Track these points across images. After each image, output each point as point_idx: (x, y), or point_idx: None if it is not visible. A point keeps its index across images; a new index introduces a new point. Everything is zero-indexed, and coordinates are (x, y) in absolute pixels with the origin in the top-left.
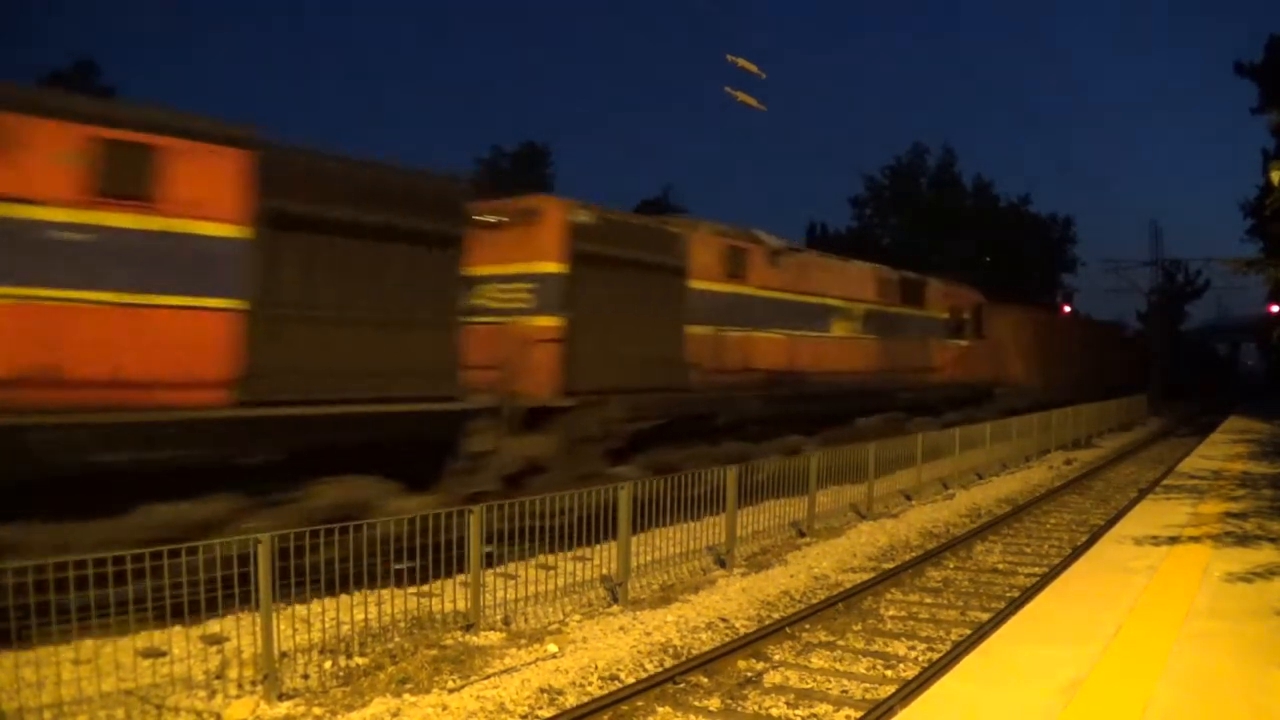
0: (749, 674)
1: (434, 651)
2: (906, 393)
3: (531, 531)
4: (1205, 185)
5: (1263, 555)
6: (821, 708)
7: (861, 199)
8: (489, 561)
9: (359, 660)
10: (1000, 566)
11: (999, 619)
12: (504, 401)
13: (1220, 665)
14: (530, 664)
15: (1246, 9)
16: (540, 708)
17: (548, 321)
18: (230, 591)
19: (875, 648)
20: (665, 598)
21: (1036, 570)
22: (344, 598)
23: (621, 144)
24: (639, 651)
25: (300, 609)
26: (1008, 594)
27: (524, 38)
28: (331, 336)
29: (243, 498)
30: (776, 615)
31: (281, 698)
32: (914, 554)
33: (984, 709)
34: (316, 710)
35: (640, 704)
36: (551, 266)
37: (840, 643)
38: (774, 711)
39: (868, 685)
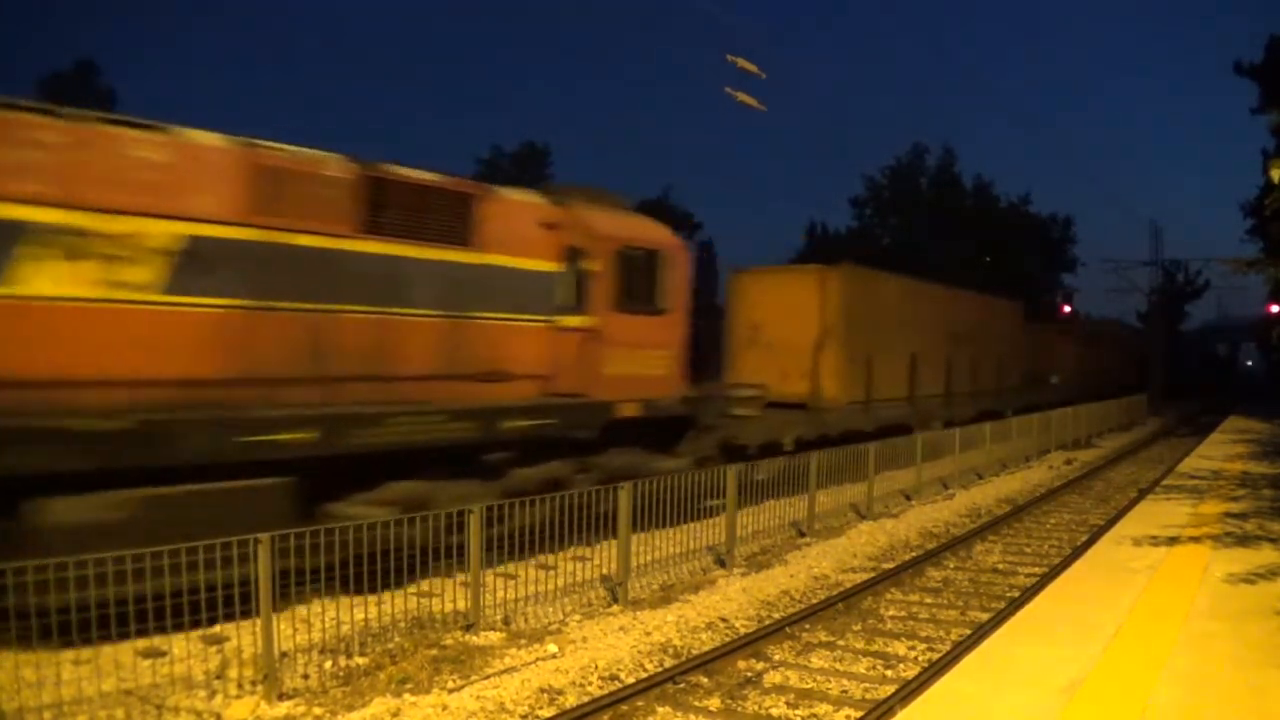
0: (749, 674)
1: (434, 651)
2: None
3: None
4: (1205, 185)
5: (1263, 555)
6: (821, 708)
7: (861, 199)
8: (491, 558)
9: (359, 660)
10: (1000, 566)
11: (999, 619)
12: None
13: (1220, 666)
14: (530, 664)
15: (1246, 9)
16: (540, 708)
17: None
18: (230, 592)
19: (875, 648)
20: (665, 598)
21: (1036, 570)
22: (344, 598)
23: (621, 144)
24: (639, 651)
25: (300, 609)
26: (1008, 594)
27: (524, 38)
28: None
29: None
30: (776, 615)
31: (281, 698)
32: (914, 554)
33: (984, 709)
34: (316, 710)
35: (640, 704)
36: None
37: (840, 643)
38: (774, 711)
39: (868, 685)
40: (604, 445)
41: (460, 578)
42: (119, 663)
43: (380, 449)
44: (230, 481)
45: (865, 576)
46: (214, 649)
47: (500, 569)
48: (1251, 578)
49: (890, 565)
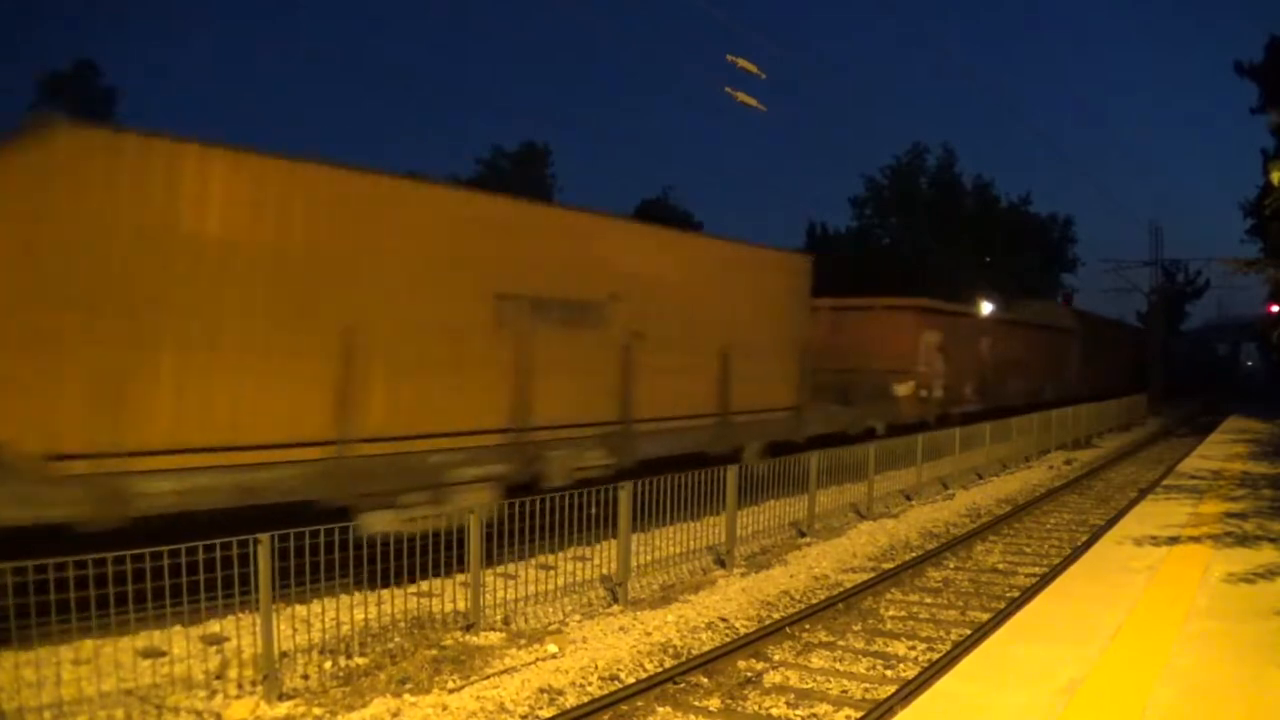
0: (749, 674)
1: (434, 651)
2: None
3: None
4: (1205, 185)
5: (1263, 555)
6: (821, 708)
7: (861, 199)
8: (491, 557)
9: (359, 660)
10: (1000, 566)
11: (999, 619)
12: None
13: (1220, 665)
14: (530, 664)
15: (1246, 9)
16: (540, 708)
17: None
18: (230, 591)
19: (875, 648)
20: (665, 598)
21: (1036, 570)
22: (344, 598)
23: (621, 144)
24: (639, 651)
25: (300, 609)
26: (1008, 594)
27: (524, 37)
28: None
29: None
30: (776, 615)
31: (281, 698)
32: (914, 554)
33: (984, 709)
34: (316, 710)
35: (640, 704)
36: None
37: (840, 643)
38: (774, 711)
39: (868, 685)
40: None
41: (460, 578)
42: (119, 663)
43: None
44: None
45: (865, 576)
46: (214, 649)
47: (500, 569)
48: (1251, 577)
49: (890, 565)
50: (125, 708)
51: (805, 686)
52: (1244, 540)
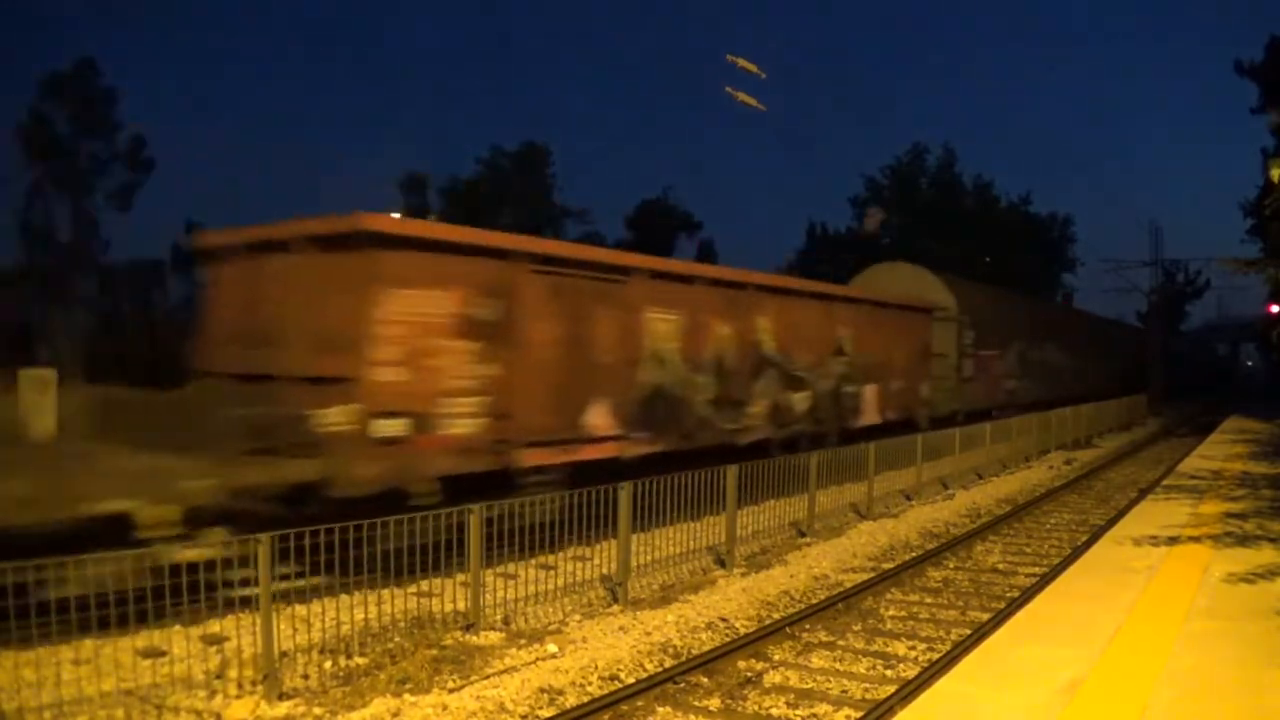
0: (749, 674)
1: (434, 651)
2: None
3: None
4: (1205, 185)
5: (1263, 555)
6: (821, 708)
7: (861, 199)
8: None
9: (359, 660)
10: (1000, 566)
11: (999, 619)
12: None
13: (1220, 665)
14: (530, 664)
15: (1246, 9)
16: (540, 708)
17: None
18: (230, 591)
19: (875, 648)
20: (665, 598)
21: (1036, 570)
22: (344, 597)
23: (622, 143)
24: (639, 651)
25: (300, 609)
26: (1008, 594)
27: (524, 37)
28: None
29: None
30: (776, 615)
31: (281, 698)
32: (914, 554)
33: (984, 709)
34: (316, 710)
35: (640, 704)
36: None
37: (840, 643)
38: (774, 711)
39: (868, 685)
40: None
41: (460, 578)
42: (119, 663)
43: None
44: None
45: (865, 576)
46: (214, 649)
47: (500, 569)
48: (1251, 577)
49: (890, 565)
50: (125, 708)
51: (805, 686)
52: (1244, 540)
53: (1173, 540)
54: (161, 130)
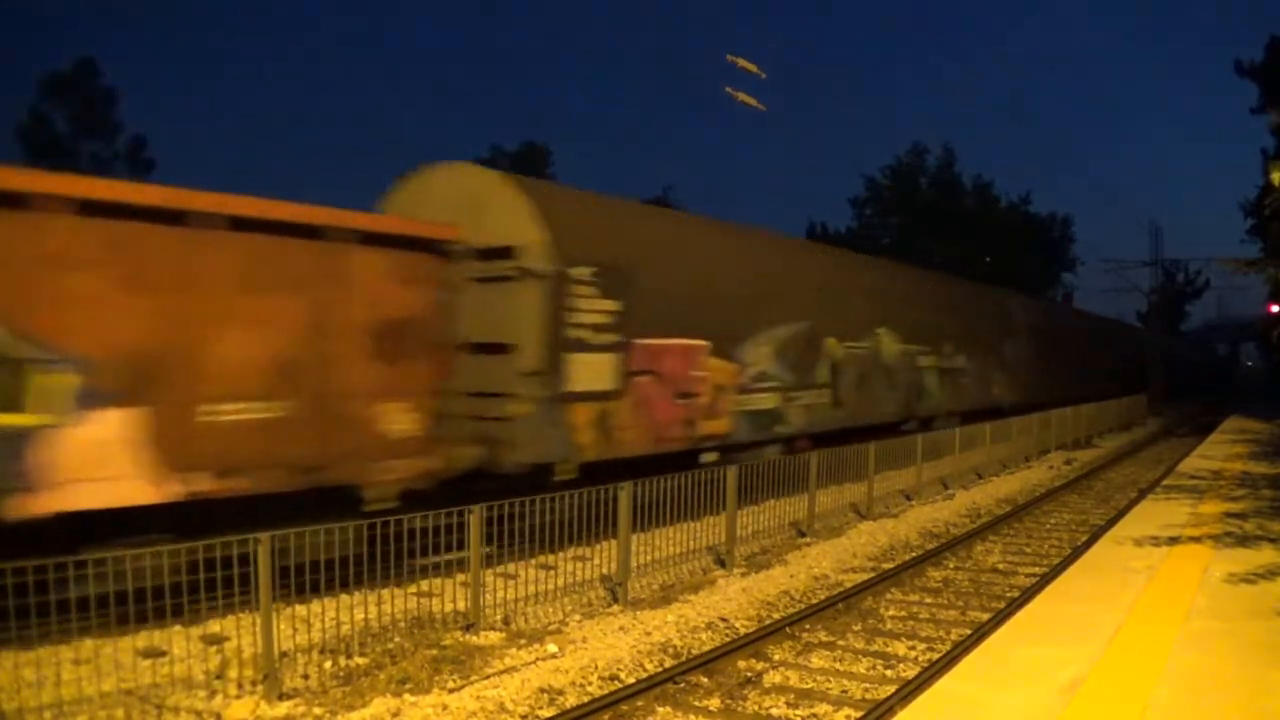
0: (749, 674)
1: (434, 651)
2: None
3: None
4: (1205, 185)
5: (1263, 555)
6: (821, 708)
7: (862, 199)
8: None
9: (359, 660)
10: (1000, 566)
11: (999, 619)
12: None
13: (1220, 665)
14: (530, 664)
15: (1246, 9)
16: (540, 708)
17: None
18: (230, 591)
19: (875, 648)
20: (665, 598)
21: (1036, 570)
22: (344, 597)
23: (621, 143)
24: (639, 651)
25: (300, 609)
26: (1008, 594)
27: (524, 37)
28: None
29: None
30: (776, 615)
31: (281, 698)
32: (914, 554)
33: (984, 709)
34: (316, 710)
35: (640, 704)
36: None
37: (840, 643)
38: (774, 711)
39: (868, 685)
40: None
41: (460, 578)
42: (119, 663)
43: None
44: None
45: (865, 576)
46: (214, 649)
47: (500, 569)
48: (1251, 578)
49: (890, 565)
50: (125, 708)
51: (805, 686)
52: (1244, 540)
53: (1173, 540)
54: (162, 130)
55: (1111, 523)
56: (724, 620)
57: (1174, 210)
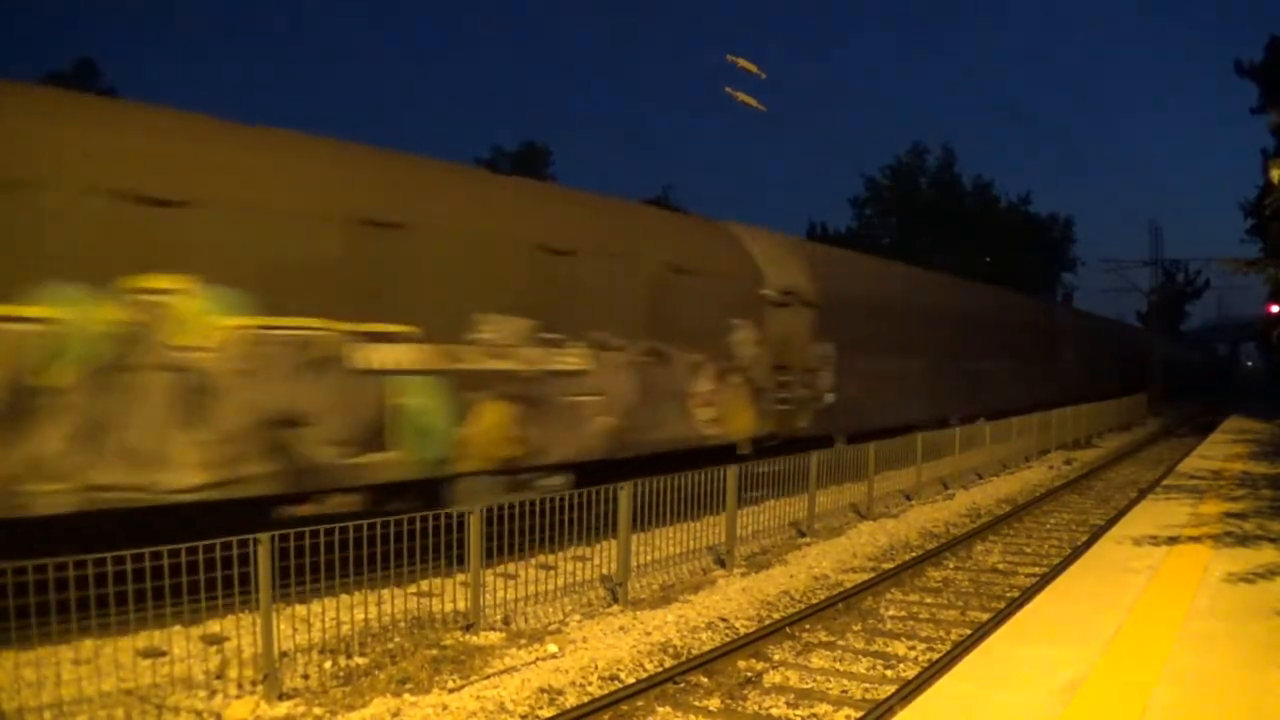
0: (749, 674)
1: (434, 651)
2: None
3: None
4: (1205, 185)
5: (1263, 555)
6: (821, 708)
7: (862, 199)
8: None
9: (359, 660)
10: (1000, 566)
11: (999, 619)
12: None
13: (1220, 665)
14: (530, 664)
15: (1246, 9)
16: (540, 708)
17: None
18: (230, 591)
19: (875, 648)
20: (665, 598)
21: (1036, 570)
22: (344, 597)
23: (622, 143)
24: (639, 651)
25: (300, 609)
26: (1008, 594)
27: (525, 38)
28: None
29: None
30: (776, 615)
31: (281, 698)
32: (914, 554)
33: (984, 709)
34: (316, 710)
35: (640, 704)
36: None
37: (840, 643)
38: (774, 711)
39: (868, 685)
40: None
41: (460, 578)
42: (119, 663)
43: None
44: None
45: (865, 576)
46: (214, 649)
47: (500, 569)
48: (1251, 577)
49: (890, 565)
50: (125, 708)
51: (805, 686)
52: (1244, 540)
53: (1173, 540)
54: None
55: (1111, 523)
56: (724, 620)
57: (1174, 210)
